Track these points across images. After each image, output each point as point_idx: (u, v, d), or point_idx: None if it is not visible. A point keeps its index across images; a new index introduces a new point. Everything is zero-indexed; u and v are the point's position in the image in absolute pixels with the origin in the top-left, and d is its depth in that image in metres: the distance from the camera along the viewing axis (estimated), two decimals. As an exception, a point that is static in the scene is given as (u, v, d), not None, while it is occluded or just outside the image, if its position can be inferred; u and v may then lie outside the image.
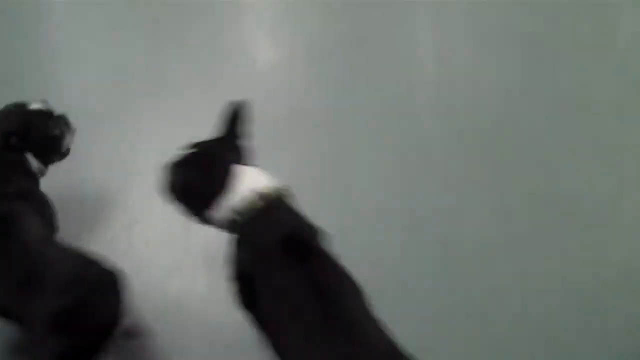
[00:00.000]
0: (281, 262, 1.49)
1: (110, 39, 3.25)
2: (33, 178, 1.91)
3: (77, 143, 1.99)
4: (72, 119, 1.99)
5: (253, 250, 1.57)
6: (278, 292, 1.48)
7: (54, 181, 1.91)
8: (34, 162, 1.91)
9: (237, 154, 1.68)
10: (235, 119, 1.70)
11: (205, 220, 1.67)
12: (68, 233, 1.84)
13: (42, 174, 1.95)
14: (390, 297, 1.96)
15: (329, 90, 2.85)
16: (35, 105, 1.94)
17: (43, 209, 1.84)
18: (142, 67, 3.01)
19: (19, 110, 1.92)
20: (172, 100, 2.79)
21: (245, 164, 1.66)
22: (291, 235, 1.56)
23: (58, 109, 1.97)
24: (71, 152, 2.00)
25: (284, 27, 3.23)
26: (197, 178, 1.63)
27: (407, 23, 3.35)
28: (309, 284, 1.45)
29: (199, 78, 2.89)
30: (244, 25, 3.28)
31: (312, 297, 1.42)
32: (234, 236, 1.62)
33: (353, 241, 2.13)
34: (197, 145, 1.67)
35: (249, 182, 1.60)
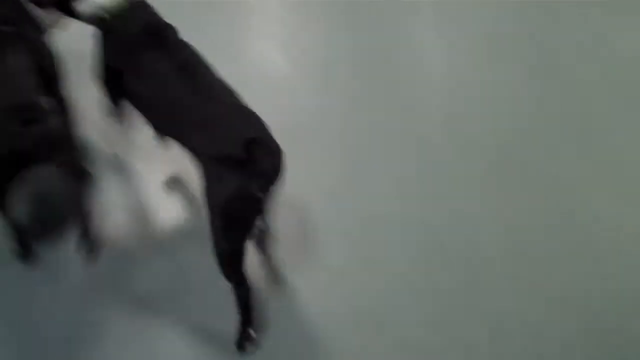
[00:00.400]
0: (145, 49, 1.85)
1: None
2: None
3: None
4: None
5: (120, 43, 1.91)
6: (146, 73, 1.83)
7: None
8: None
9: None
10: None
11: (74, 13, 1.98)
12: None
13: None
14: (403, 306, 1.99)
15: (341, 101, 2.84)
16: None
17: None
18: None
19: None
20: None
21: None
22: (151, 25, 1.92)
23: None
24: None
25: (296, 36, 3.24)
26: None
27: (419, 34, 3.35)
28: (171, 62, 1.81)
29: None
30: (255, 33, 3.29)
31: (175, 72, 1.79)
32: (100, 32, 1.95)
33: (366, 250, 2.17)
34: None
35: None
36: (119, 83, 1.93)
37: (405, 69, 3.04)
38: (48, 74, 1.98)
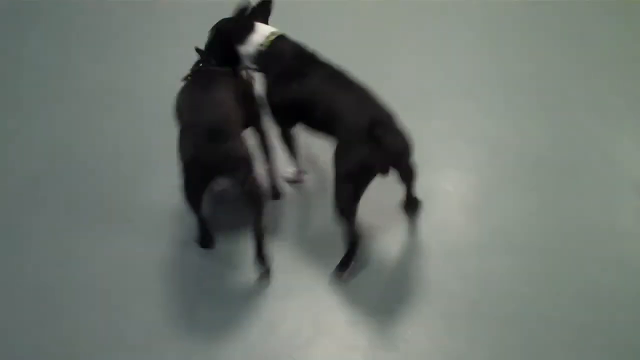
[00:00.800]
0: (300, 70, 2.42)
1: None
2: None
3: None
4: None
5: (281, 72, 2.45)
6: (308, 85, 2.40)
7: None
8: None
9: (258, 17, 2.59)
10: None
11: (240, 55, 2.52)
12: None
13: None
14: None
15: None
16: None
17: None
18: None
19: None
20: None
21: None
22: (299, 52, 2.48)
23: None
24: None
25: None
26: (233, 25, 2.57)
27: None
28: (324, 73, 2.42)
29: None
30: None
31: (328, 79, 2.41)
32: (260, 63, 2.50)
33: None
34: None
35: (265, 29, 2.52)
36: (287, 109, 2.50)
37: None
38: (250, 109, 2.53)
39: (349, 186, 2.28)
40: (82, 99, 3.42)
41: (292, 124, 2.59)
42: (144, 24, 4.06)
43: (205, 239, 2.60)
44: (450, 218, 2.71)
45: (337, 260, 2.46)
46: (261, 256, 2.45)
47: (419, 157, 2.83)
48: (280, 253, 2.54)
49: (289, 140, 2.69)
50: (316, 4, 4.12)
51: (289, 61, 2.47)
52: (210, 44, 2.59)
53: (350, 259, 2.45)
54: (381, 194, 2.47)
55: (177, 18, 4.11)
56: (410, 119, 3.01)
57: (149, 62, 3.69)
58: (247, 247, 2.51)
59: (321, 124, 2.42)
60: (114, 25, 4.05)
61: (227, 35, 2.54)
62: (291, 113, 2.51)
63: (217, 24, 2.59)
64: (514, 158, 2.97)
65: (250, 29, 2.52)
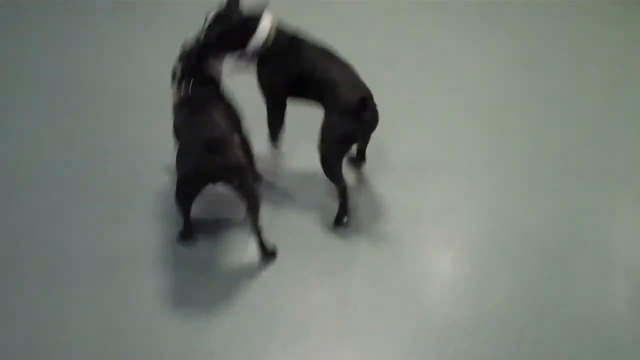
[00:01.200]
0: (300, 49, 2.71)
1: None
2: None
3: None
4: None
5: (280, 58, 2.70)
6: (305, 62, 2.70)
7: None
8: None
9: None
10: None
11: (245, 54, 2.71)
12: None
13: None
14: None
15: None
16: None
17: None
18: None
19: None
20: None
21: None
22: (293, 39, 2.73)
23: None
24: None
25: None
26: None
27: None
28: (316, 52, 2.73)
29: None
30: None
31: (320, 55, 2.74)
32: (264, 57, 2.71)
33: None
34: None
35: (266, 22, 2.69)
36: (283, 86, 2.77)
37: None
38: (235, 120, 2.69)
39: (339, 148, 2.69)
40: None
41: (285, 101, 2.84)
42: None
43: (187, 237, 2.70)
44: (441, 299, 2.64)
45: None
46: (263, 246, 2.64)
47: (415, 236, 2.85)
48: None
49: (276, 121, 2.91)
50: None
51: (288, 47, 2.71)
52: (222, 32, 2.65)
53: (345, 208, 2.81)
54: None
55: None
56: (403, 197, 3.02)
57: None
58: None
59: (314, 94, 2.72)
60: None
61: (246, 26, 2.66)
62: (289, 88, 2.77)
63: (228, 13, 2.66)
64: (509, 238, 2.89)
65: (257, 21, 2.67)
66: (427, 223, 2.91)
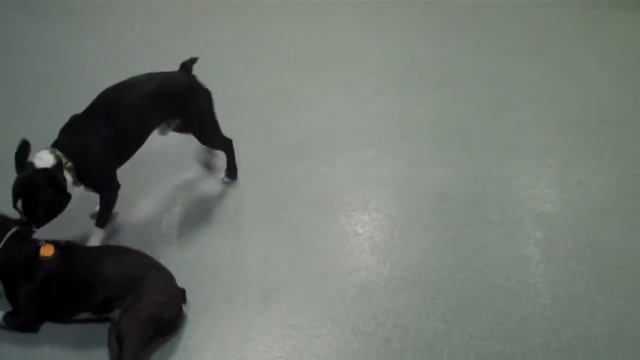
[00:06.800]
0: None
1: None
2: None
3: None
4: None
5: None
6: None
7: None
8: None
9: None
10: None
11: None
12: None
13: None
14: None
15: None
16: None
17: None
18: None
19: None
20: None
21: None
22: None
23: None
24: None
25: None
26: None
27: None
28: None
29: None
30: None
31: None
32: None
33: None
34: None
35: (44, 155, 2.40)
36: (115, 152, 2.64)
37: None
38: None
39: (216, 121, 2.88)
40: None
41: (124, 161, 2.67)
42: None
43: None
44: (360, 259, 2.70)
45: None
46: None
47: (327, 202, 2.91)
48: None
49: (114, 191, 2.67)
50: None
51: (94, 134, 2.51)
52: (45, 202, 2.37)
53: (234, 161, 3.02)
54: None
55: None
56: (315, 164, 3.06)
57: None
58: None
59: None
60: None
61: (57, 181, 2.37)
62: (121, 150, 2.62)
63: (30, 185, 2.35)
64: (417, 196, 3.01)
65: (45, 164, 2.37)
66: (342, 191, 3.05)
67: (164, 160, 3.20)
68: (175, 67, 2.79)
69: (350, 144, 3.37)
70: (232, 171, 3.06)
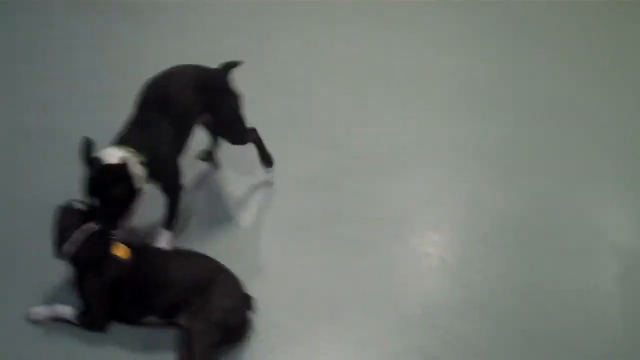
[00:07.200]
0: None
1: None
2: None
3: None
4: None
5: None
6: None
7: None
8: None
9: None
10: None
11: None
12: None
13: None
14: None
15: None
16: None
17: None
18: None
19: None
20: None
21: None
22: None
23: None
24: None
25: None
26: None
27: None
28: None
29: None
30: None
31: None
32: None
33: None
34: None
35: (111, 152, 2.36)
36: None
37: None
38: None
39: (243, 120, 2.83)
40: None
41: (182, 155, 2.69)
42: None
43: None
44: (430, 280, 2.66)
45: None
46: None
47: (397, 219, 2.87)
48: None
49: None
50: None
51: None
52: (115, 196, 2.33)
53: (265, 149, 2.98)
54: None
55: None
56: (386, 181, 3.03)
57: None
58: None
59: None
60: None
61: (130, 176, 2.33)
62: (179, 144, 2.63)
63: (101, 179, 2.30)
64: (492, 221, 2.94)
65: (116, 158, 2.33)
66: (413, 210, 3.01)
67: (229, 167, 3.20)
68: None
69: (421, 162, 3.32)
70: (266, 159, 3.01)
